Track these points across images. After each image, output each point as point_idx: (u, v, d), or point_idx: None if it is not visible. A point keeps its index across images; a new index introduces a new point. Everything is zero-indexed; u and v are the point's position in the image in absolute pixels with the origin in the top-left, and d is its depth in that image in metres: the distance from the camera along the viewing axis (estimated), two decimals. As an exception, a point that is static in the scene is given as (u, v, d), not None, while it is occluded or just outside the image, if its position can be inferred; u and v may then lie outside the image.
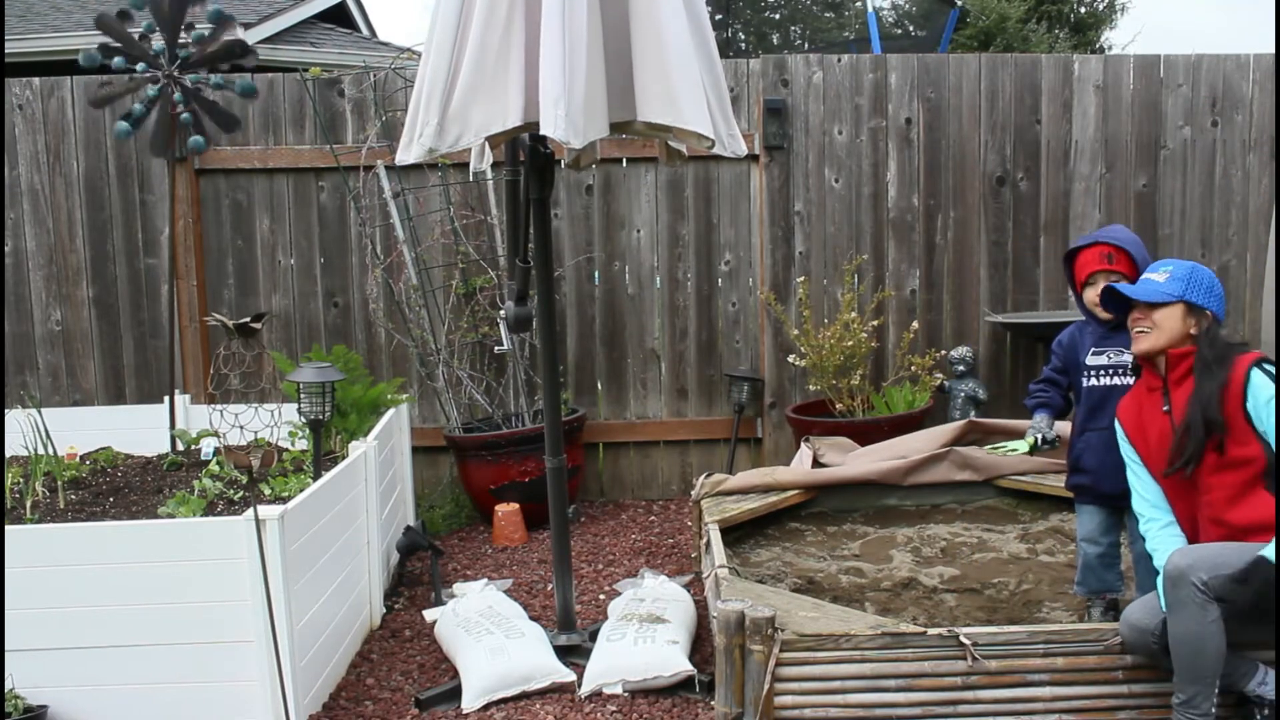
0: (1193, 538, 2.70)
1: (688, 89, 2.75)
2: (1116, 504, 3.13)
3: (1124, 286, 2.79)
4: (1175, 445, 2.65)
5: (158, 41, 4.68)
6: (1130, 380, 3.02)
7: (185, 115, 4.67)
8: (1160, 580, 2.55)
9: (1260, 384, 2.56)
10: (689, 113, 2.74)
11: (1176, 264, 2.76)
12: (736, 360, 5.61)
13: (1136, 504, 2.84)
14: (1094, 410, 3.15)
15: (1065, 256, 3.21)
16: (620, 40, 2.80)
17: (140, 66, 4.65)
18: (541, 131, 2.64)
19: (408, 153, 2.85)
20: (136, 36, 4.65)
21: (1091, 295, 3.10)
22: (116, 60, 4.61)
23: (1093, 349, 3.16)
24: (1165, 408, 2.72)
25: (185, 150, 4.80)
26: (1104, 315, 3.08)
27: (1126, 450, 2.86)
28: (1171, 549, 2.63)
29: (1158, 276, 2.75)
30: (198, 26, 4.75)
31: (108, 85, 4.80)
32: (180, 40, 4.66)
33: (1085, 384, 3.17)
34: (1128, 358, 3.03)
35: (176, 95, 4.66)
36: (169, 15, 4.60)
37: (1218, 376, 2.60)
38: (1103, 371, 3.13)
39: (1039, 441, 3.24)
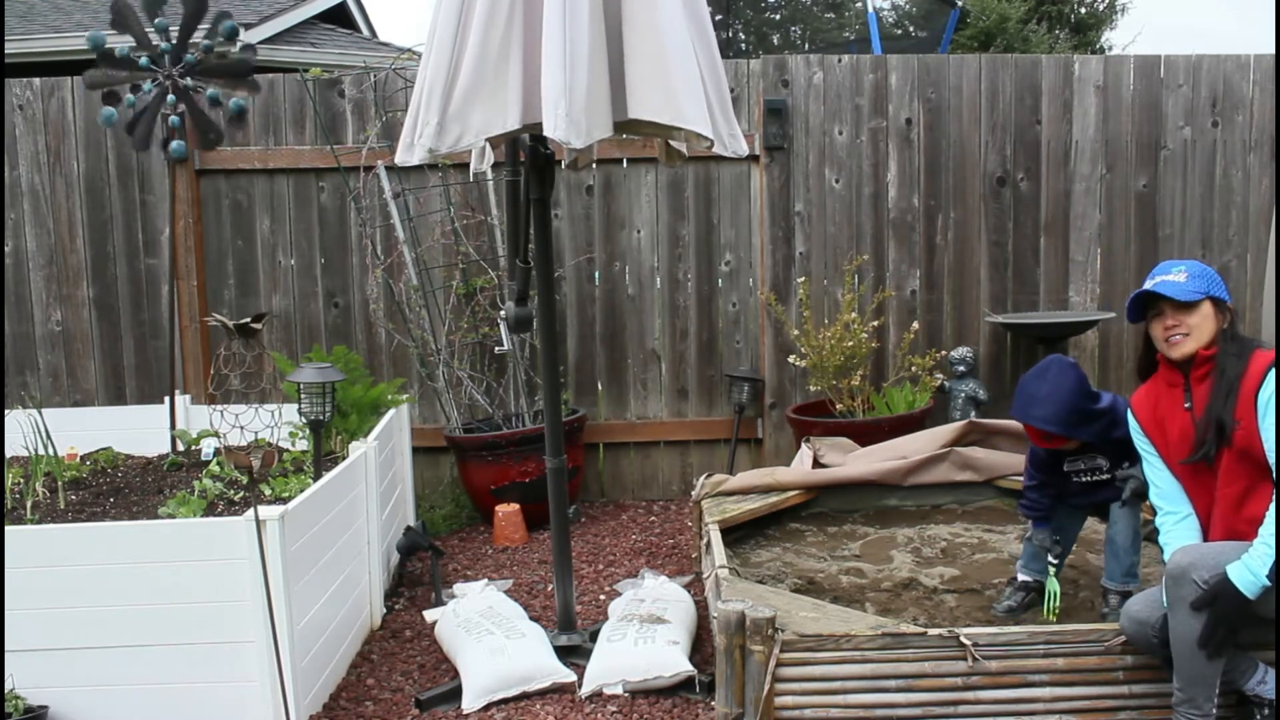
0: (1209, 531, 2.68)
1: (687, 87, 2.73)
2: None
3: (1164, 287, 2.64)
4: (1198, 438, 2.63)
5: (164, 43, 4.68)
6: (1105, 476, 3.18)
7: (174, 118, 4.66)
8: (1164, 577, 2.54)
9: (1271, 382, 2.53)
10: (688, 111, 2.73)
11: (1187, 263, 2.68)
12: (737, 360, 5.61)
13: (1153, 497, 2.82)
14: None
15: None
16: (622, 40, 2.79)
17: (143, 60, 4.64)
18: (544, 132, 2.64)
19: (409, 154, 2.84)
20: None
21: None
22: (120, 48, 4.59)
23: (1065, 462, 3.25)
24: (1187, 404, 2.68)
25: (166, 154, 4.78)
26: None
27: (1142, 443, 2.83)
28: (1184, 543, 2.62)
29: (1177, 277, 2.65)
30: (208, 38, 4.74)
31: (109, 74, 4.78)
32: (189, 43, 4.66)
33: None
34: (1101, 460, 3.15)
35: (170, 97, 4.66)
36: (186, 18, 4.60)
37: (1238, 369, 2.57)
38: (1080, 473, 3.25)
39: (1059, 565, 3.33)
